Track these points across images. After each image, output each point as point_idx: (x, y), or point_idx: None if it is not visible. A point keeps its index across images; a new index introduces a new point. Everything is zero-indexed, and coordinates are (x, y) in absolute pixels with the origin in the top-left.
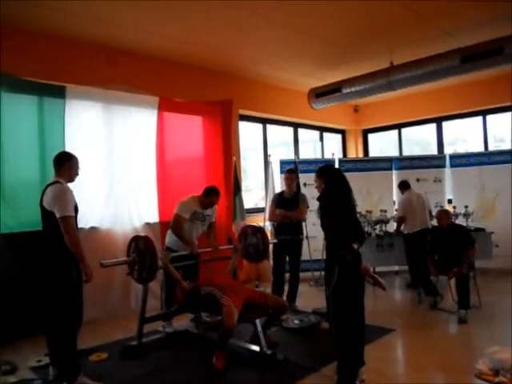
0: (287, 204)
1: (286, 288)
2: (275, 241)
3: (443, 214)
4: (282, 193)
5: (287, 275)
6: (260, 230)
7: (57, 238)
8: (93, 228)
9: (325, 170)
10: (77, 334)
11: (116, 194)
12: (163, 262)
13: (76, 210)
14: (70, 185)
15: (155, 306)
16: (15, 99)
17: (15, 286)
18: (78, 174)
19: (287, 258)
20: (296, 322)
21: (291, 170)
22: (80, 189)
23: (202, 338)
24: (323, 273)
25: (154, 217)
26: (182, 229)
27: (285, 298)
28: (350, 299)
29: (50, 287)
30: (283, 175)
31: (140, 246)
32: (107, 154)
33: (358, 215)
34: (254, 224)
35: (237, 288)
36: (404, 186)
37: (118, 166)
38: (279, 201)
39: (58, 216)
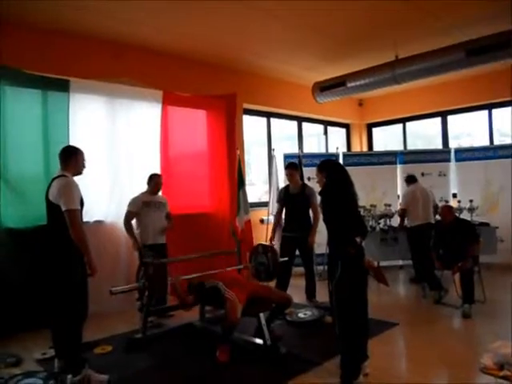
0: (293, 201)
1: (291, 283)
2: (286, 259)
3: (446, 210)
4: (287, 188)
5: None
6: (270, 250)
7: (62, 231)
8: (97, 222)
9: (326, 164)
10: (82, 327)
11: (120, 188)
12: (174, 287)
13: (81, 203)
14: (75, 178)
15: None
16: (19, 93)
17: (20, 280)
18: (84, 167)
19: (297, 253)
20: (300, 315)
21: (290, 164)
22: (84, 183)
23: (205, 332)
24: (326, 267)
25: None
26: (128, 223)
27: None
28: (353, 294)
29: (55, 280)
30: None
31: (150, 273)
32: (111, 148)
33: (361, 209)
34: (264, 243)
35: (241, 282)
36: (411, 179)
37: (122, 159)
38: (285, 198)
39: (63, 209)
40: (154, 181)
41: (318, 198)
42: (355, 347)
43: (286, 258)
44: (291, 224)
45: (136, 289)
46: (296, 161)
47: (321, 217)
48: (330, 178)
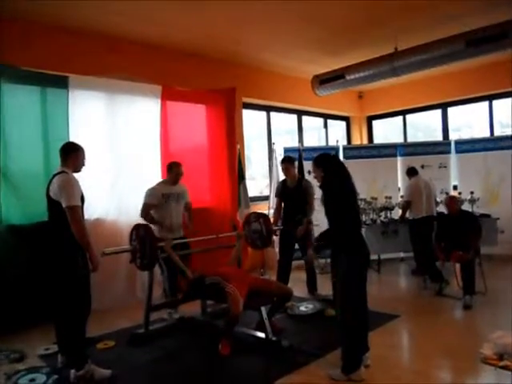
0: (291, 195)
1: (292, 276)
2: (281, 227)
3: (451, 201)
4: (285, 182)
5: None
6: (263, 216)
7: (63, 227)
8: (98, 219)
9: (322, 159)
10: (85, 323)
11: (121, 185)
12: (166, 249)
13: (82, 200)
14: (75, 175)
15: (161, 294)
16: (18, 90)
17: (23, 276)
18: (84, 165)
19: (296, 247)
20: (301, 309)
21: (285, 158)
22: (85, 179)
23: (207, 326)
24: (328, 260)
25: None
26: (147, 214)
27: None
28: (356, 287)
29: (57, 277)
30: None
31: (140, 234)
32: (111, 144)
33: (362, 202)
34: (257, 211)
35: (242, 276)
36: (412, 172)
37: (122, 155)
38: (283, 192)
39: (64, 206)
40: (175, 170)
41: (320, 192)
42: (357, 339)
43: (281, 227)
44: (290, 218)
45: (128, 250)
46: (296, 154)
47: (322, 209)
48: (328, 172)
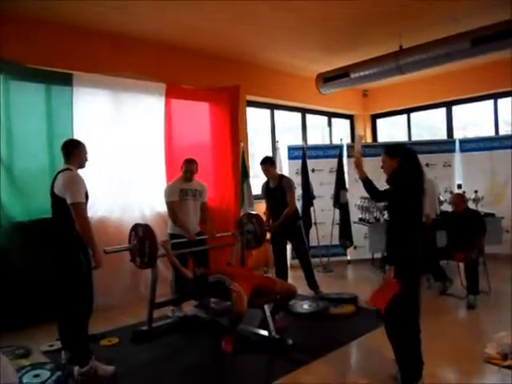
0: (273, 195)
1: (294, 275)
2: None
3: (458, 199)
4: (267, 183)
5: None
6: (255, 216)
7: (67, 224)
8: (102, 217)
9: (398, 149)
10: (88, 320)
11: (125, 183)
12: (164, 248)
13: (86, 197)
14: (80, 172)
15: (165, 291)
16: (23, 87)
17: (27, 273)
18: (87, 160)
19: (290, 245)
20: (304, 307)
21: (264, 160)
22: (89, 177)
23: (211, 323)
24: (331, 259)
25: (164, 205)
26: (175, 215)
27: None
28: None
29: (61, 273)
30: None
31: (139, 233)
32: (115, 142)
33: (365, 200)
34: (249, 211)
35: (245, 274)
36: None
37: (126, 153)
38: (267, 193)
39: (69, 202)
40: (184, 167)
41: (321, 190)
42: (410, 350)
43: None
44: (277, 218)
45: (128, 249)
46: (300, 153)
47: (327, 208)
48: (406, 165)
